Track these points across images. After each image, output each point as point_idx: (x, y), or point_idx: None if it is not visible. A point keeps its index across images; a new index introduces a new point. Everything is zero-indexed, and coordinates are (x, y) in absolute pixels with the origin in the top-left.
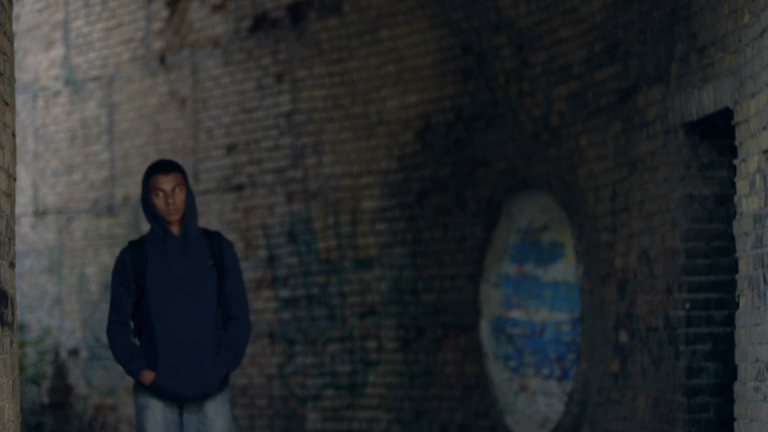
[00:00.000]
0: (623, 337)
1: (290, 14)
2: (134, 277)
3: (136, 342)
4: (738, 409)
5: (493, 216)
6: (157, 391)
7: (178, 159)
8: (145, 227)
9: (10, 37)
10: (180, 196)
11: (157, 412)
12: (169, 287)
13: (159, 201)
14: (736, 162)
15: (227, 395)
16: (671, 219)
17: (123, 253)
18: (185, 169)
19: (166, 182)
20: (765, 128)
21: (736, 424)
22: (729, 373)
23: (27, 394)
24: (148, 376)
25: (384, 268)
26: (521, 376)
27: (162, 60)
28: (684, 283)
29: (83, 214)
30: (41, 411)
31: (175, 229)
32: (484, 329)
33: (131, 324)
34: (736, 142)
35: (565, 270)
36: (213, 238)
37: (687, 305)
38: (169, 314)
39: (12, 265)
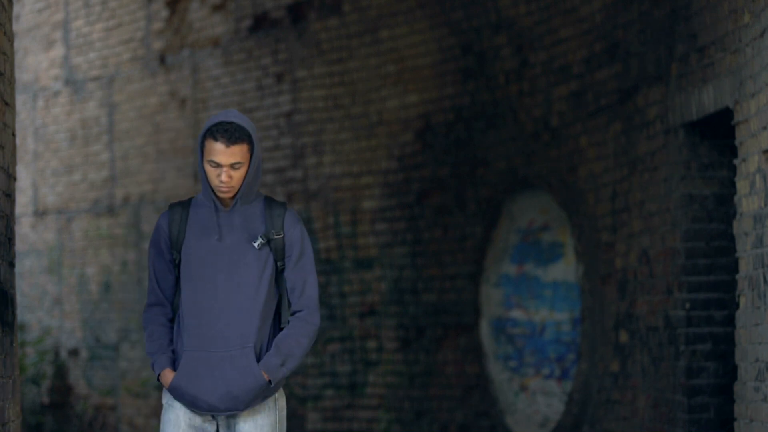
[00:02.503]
0: (623, 337)
1: (290, 14)
2: (170, 248)
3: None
4: (738, 409)
5: (493, 216)
6: (175, 395)
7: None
8: (147, 227)
9: (10, 37)
10: (238, 173)
11: (180, 414)
12: (206, 268)
13: (211, 172)
14: (736, 162)
15: (272, 407)
16: (671, 219)
17: (161, 219)
18: (254, 131)
19: (225, 156)
20: (765, 128)
21: (736, 424)
22: (729, 373)
23: (27, 394)
24: (167, 377)
25: (384, 268)
26: (521, 376)
27: (162, 60)
28: (684, 283)
29: (83, 214)
30: (41, 411)
31: (225, 200)
32: (484, 329)
33: (170, 307)
34: (736, 142)
35: (565, 270)
36: (274, 210)
37: (687, 305)
38: (201, 301)
39: (12, 265)
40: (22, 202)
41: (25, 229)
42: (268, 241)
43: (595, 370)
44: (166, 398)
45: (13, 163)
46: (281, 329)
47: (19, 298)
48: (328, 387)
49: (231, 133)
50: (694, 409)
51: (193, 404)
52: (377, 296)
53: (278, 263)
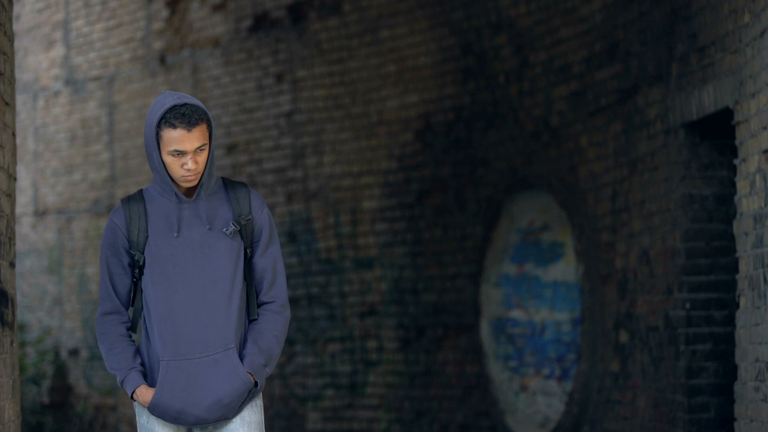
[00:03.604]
0: (623, 337)
1: (290, 14)
2: (129, 249)
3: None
4: (738, 409)
5: (493, 216)
6: (157, 413)
7: None
8: None
9: (10, 37)
10: (203, 157)
11: None
12: (177, 266)
13: (174, 163)
14: (736, 162)
15: (258, 405)
16: (671, 219)
17: (114, 217)
18: (206, 108)
19: (189, 142)
20: (765, 128)
21: (736, 424)
22: (729, 373)
23: (27, 394)
24: (145, 395)
25: (384, 268)
26: (521, 376)
27: (162, 60)
28: (684, 283)
29: (83, 214)
30: (41, 411)
31: (186, 190)
32: (484, 329)
33: (128, 314)
34: (736, 142)
35: (565, 270)
36: (238, 192)
37: (687, 305)
38: (175, 304)
39: (12, 265)
40: (22, 202)
41: (25, 229)
42: (239, 227)
43: (595, 370)
44: (143, 419)
45: (13, 163)
46: (251, 321)
47: (19, 298)
48: (328, 387)
49: (189, 117)
50: (694, 409)
51: (177, 420)
52: (377, 296)
53: (247, 250)
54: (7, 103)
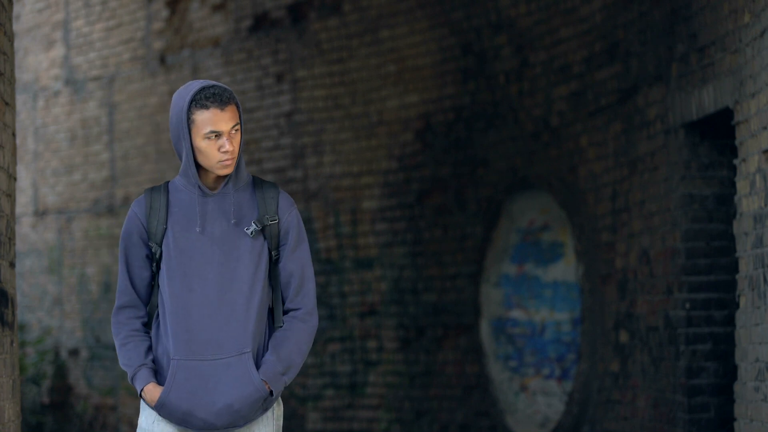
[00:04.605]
0: (623, 337)
1: (290, 14)
2: (147, 241)
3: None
4: (738, 409)
5: (493, 216)
6: (164, 414)
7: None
8: None
9: (10, 37)
10: (237, 139)
11: None
12: (194, 262)
13: (211, 147)
14: (736, 162)
15: (269, 417)
16: (671, 219)
17: (135, 207)
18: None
19: (224, 121)
20: (765, 128)
21: (736, 424)
22: (729, 373)
23: (27, 394)
24: (152, 393)
25: (384, 268)
26: (521, 376)
27: (162, 60)
28: (684, 283)
29: (83, 214)
30: (41, 411)
31: (212, 183)
32: (484, 329)
33: (145, 310)
34: (736, 142)
35: (565, 270)
36: (267, 192)
37: (687, 305)
38: (189, 301)
39: (12, 265)
40: (22, 202)
41: (25, 229)
42: (263, 228)
43: (595, 370)
44: (144, 420)
45: (13, 163)
46: (275, 328)
47: (19, 298)
48: (328, 387)
49: (220, 96)
50: (694, 409)
51: (184, 422)
52: (377, 296)
53: (272, 252)
54: (7, 103)
